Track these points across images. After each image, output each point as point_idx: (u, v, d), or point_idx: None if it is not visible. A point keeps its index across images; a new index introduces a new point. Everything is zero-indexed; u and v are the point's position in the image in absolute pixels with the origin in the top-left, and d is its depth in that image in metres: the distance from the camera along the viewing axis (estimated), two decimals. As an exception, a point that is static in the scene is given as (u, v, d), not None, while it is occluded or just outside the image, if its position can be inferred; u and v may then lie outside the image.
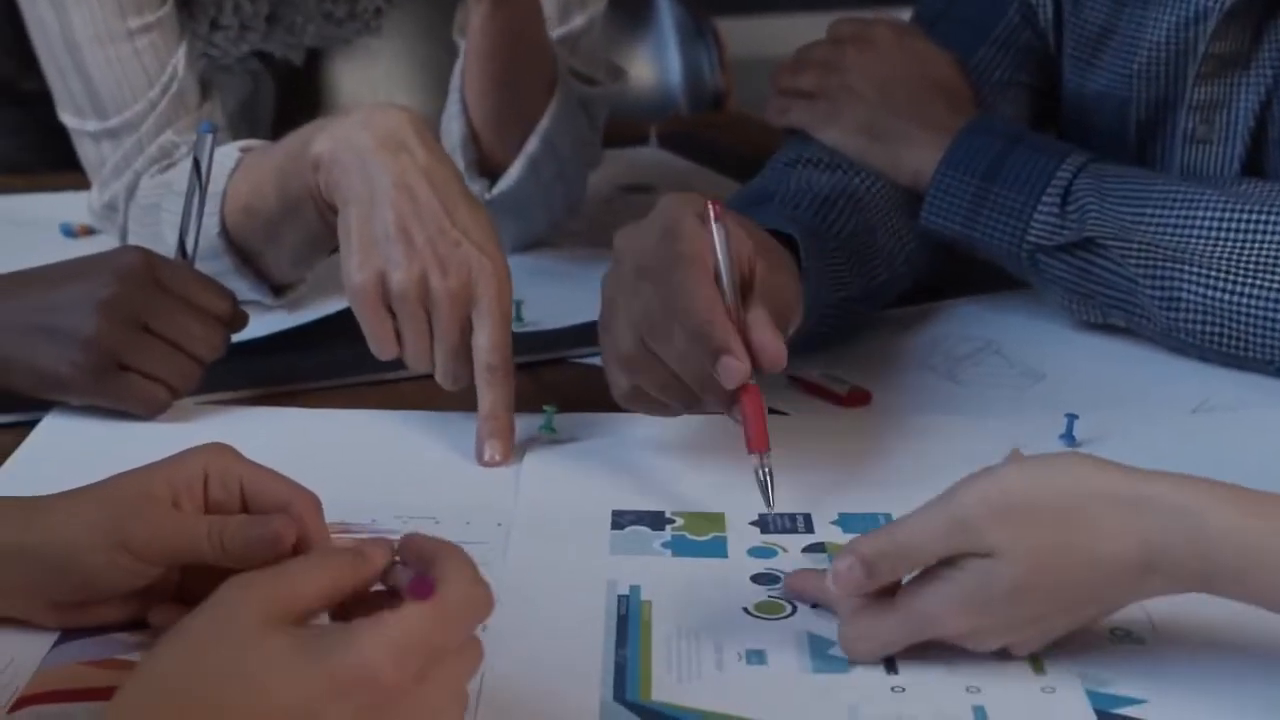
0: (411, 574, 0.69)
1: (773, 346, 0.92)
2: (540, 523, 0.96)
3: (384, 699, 0.64)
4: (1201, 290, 1.12)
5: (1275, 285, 1.10)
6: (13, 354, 1.06)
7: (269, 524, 0.81)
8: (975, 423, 1.09)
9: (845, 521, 0.96)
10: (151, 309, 1.07)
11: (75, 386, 1.07)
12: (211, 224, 1.20)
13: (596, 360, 1.01)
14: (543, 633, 0.85)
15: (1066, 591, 0.78)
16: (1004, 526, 0.77)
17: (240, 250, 1.23)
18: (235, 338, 1.12)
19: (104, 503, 0.82)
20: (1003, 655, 0.81)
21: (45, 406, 1.09)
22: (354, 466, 1.04)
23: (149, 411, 1.08)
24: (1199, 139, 1.22)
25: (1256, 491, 0.76)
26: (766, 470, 0.93)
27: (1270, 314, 1.11)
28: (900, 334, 1.24)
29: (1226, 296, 1.12)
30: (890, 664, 0.81)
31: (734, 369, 0.91)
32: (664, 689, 0.79)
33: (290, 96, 1.63)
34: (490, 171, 1.36)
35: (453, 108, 1.35)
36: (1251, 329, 1.12)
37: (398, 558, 0.71)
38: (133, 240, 1.31)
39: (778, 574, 0.90)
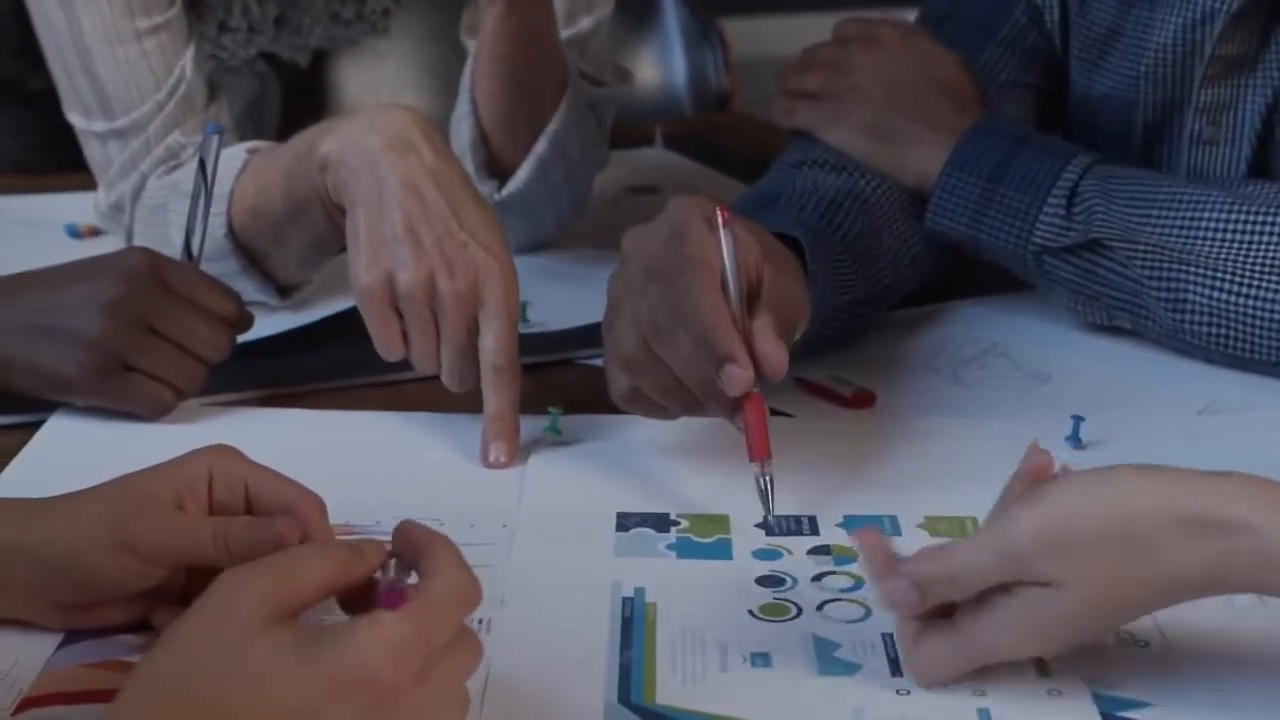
0: (396, 572, 0.69)
1: (775, 356, 0.92)
2: (545, 524, 0.96)
3: (385, 699, 0.64)
4: (1207, 292, 1.12)
5: (1282, 287, 1.10)
6: (18, 354, 1.06)
7: (273, 525, 0.81)
8: (980, 425, 1.09)
9: (850, 524, 0.96)
10: (157, 310, 1.07)
11: (80, 387, 1.07)
12: (218, 225, 1.20)
13: (602, 362, 1.01)
14: (547, 634, 0.85)
15: (1128, 613, 0.78)
16: (1062, 559, 0.75)
17: (246, 251, 1.23)
18: (240, 338, 1.12)
19: (108, 504, 0.82)
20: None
21: (50, 407, 1.10)
22: (359, 467, 1.04)
23: (154, 413, 1.08)
24: (1205, 141, 1.22)
25: None
26: (767, 478, 0.93)
27: (1276, 316, 1.10)
28: (905, 336, 1.24)
29: (1232, 298, 1.11)
30: (895, 667, 0.81)
31: (737, 377, 0.91)
32: (669, 691, 0.79)
33: (297, 98, 1.63)
34: (499, 173, 1.36)
35: (462, 108, 1.35)
36: (1257, 331, 1.12)
37: (390, 549, 0.71)
38: (139, 241, 1.31)
39: (783, 576, 0.90)
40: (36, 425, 1.09)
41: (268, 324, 1.20)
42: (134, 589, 0.82)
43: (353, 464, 1.04)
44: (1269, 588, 0.75)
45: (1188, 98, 1.22)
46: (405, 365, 1.07)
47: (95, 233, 1.44)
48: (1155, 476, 0.76)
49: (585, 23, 1.38)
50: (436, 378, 1.07)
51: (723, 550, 0.94)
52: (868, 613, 0.86)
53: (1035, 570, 0.75)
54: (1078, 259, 1.17)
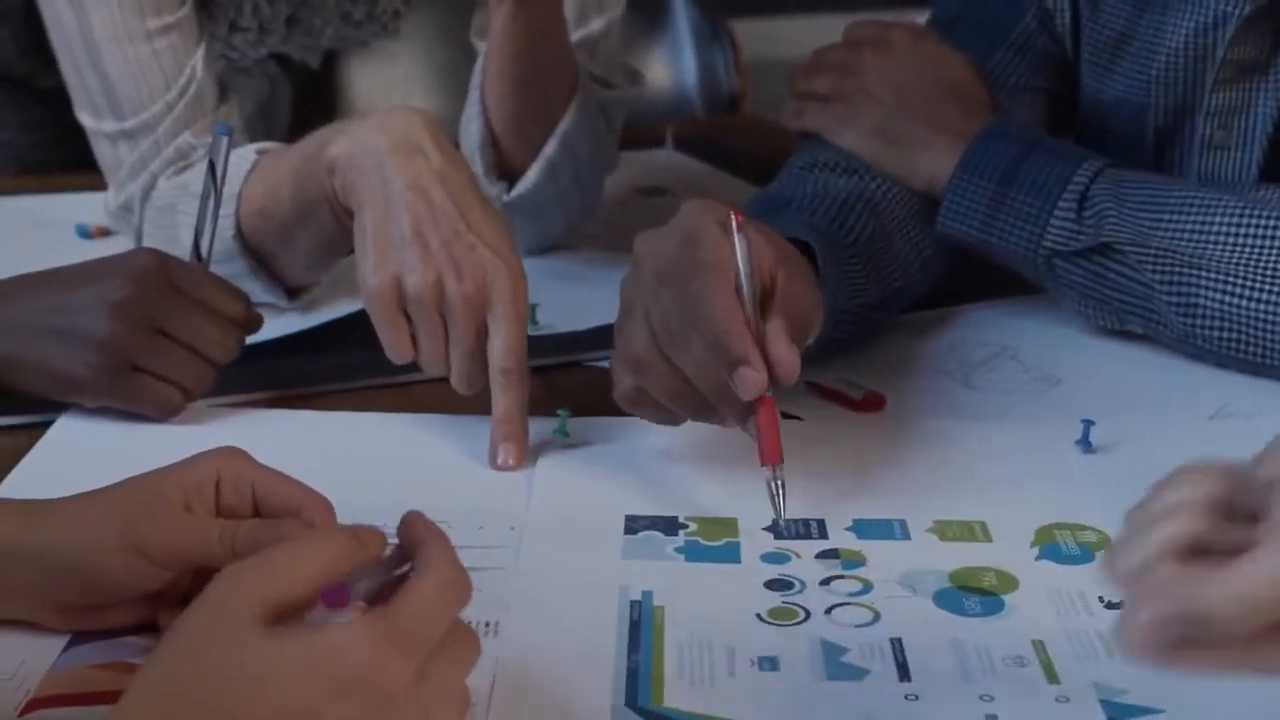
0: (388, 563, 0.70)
1: (788, 359, 0.92)
2: (553, 527, 0.96)
3: (386, 699, 0.64)
4: (1219, 296, 1.12)
5: (1293, 292, 1.10)
6: (26, 355, 1.06)
7: (280, 528, 0.81)
8: (990, 428, 1.09)
9: (859, 527, 0.96)
10: (165, 311, 1.07)
11: (89, 388, 1.07)
12: (226, 226, 1.20)
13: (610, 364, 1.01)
14: (554, 637, 0.84)
15: None
16: None
17: (255, 253, 1.23)
18: (249, 340, 1.12)
19: (115, 506, 0.82)
20: (1017, 663, 0.81)
21: (59, 408, 1.10)
22: (367, 469, 1.04)
23: (162, 414, 1.08)
24: (1217, 145, 1.21)
25: None
26: (779, 483, 0.93)
27: (1288, 321, 1.10)
28: (916, 339, 1.24)
29: (1244, 303, 1.11)
30: (903, 671, 0.81)
31: (751, 380, 0.91)
32: (676, 695, 0.79)
33: (307, 99, 1.63)
34: (509, 174, 1.36)
35: (472, 109, 1.35)
36: (1269, 335, 1.11)
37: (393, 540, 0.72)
38: (148, 242, 1.31)
39: (791, 580, 0.90)
40: (45, 426, 1.09)
41: (276, 325, 1.20)
42: (141, 591, 0.82)
43: (361, 465, 1.04)
44: None
45: (1199, 102, 1.21)
46: (414, 367, 1.07)
47: (105, 233, 1.44)
48: None
49: (596, 24, 1.38)
50: (445, 379, 1.07)
51: (731, 554, 0.93)
52: (876, 617, 0.86)
53: None
54: (1089, 263, 1.16)
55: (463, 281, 1.04)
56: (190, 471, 0.83)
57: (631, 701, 0.79)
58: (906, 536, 0.95)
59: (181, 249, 1.15)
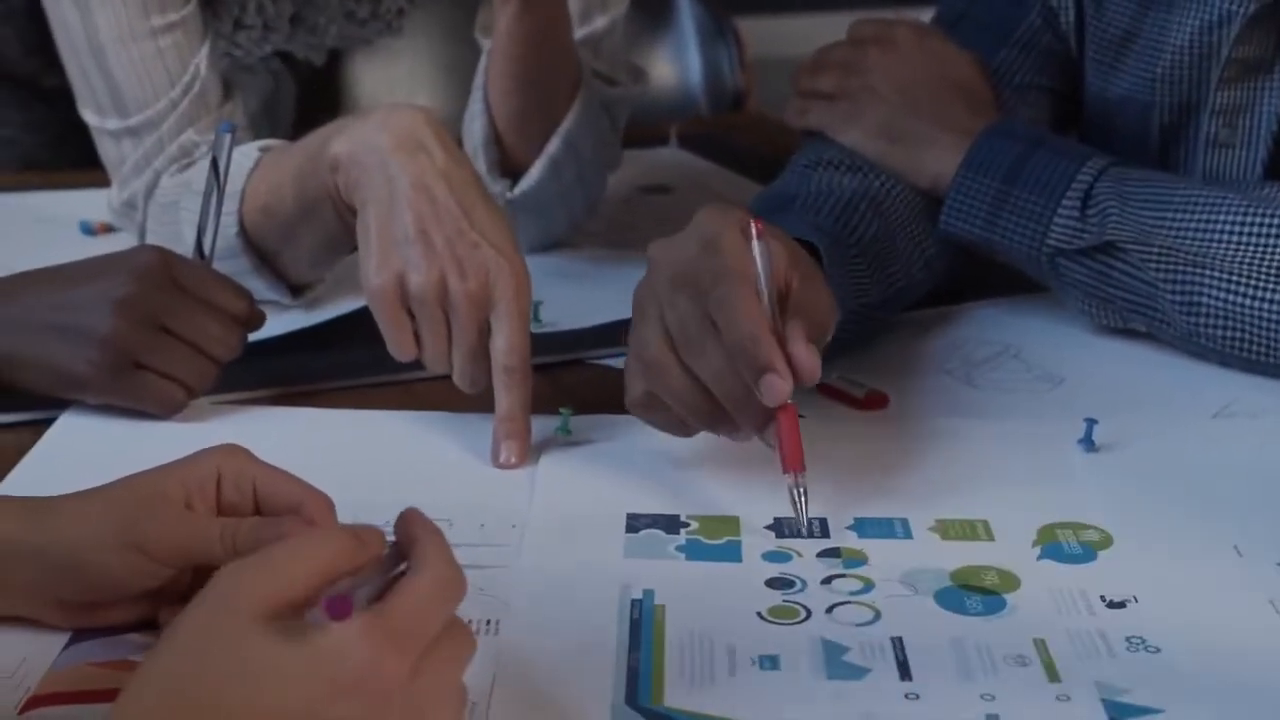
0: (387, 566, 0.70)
1: (808, 361, 0.92)
2: (555, 525, 0.96)
3: (383, 697, 0.64)
4: (1223, 295, 1.11)
5: (1297, 291, 1.10)
6: (29, 352, 1.06)
7: (281, 526, 0.81)
8: (993, 427, 1.09)
9: (861, 526, 0.95)
10: (168, 308, 1.07)
11: (91, 385, 1.07)
12: (229, 223, 1.20)
13: (613, 362, 1.01)
14: (555, 636, 0.84)
15: None
16: None
17: (258, 250, 1.23)
18: (252, 337, 1.12)
19: (116, 503, 0.82)
20: (1018, 662, 0.81)
21: (61, 405, 1.10)
22: (369, 467, 1.04)
23: (165, 411, 1.08)
24: (1222, 143, 1.21)
25: None
26: (802, 490, 0.92)
27: (1293, 319, 1.10)
28: (918, 337, 1.23)
29: (1248, 302, 1.11)
30: (904, 670, 0.81)
31: (778, 387, 0.90)
32: (676, 694, 0.79)
33: (312, 96, 1.63)
34: (512, 172, 1.36)
35: (475, 107, 1.35)
36: (1273, 334, 1.11)
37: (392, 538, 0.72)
38: (152, 239, 1.31)
39: (792, 579, 0.90)
40: (48, 423, 1.09)
41: (279, 323, 1.20)
42: (141, 588, 0.82)
43: (363, 463, 1.04)
44: None
45: (1204, 100, 1.21)
46: (417, 365, 1.07)
47: (109, 230, 1.44)
48: None
49: (600, 22, 1.38)
50: (447, 377, 1.07)
51: (732, 552, 0.93)
52: (877, 616, 0.86)
53: None
54: (1092, 261, 1.16)
55: (466, 280, 1.04)
56: (191, 469, 0.83)
57: (631, 700, 0.78)
58: (908, 535, 0.95)
59: (185, 246, 1.15)
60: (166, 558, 0.81)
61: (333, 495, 0.86)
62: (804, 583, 0.90)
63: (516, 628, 0.85)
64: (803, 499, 0.93)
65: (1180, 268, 1.13)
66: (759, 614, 0.86)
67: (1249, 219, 1.11)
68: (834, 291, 1.07)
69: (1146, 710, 0.78)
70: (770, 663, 0.82)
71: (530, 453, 1.04)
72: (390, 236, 1.05)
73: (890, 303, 1.20)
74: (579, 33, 1.36)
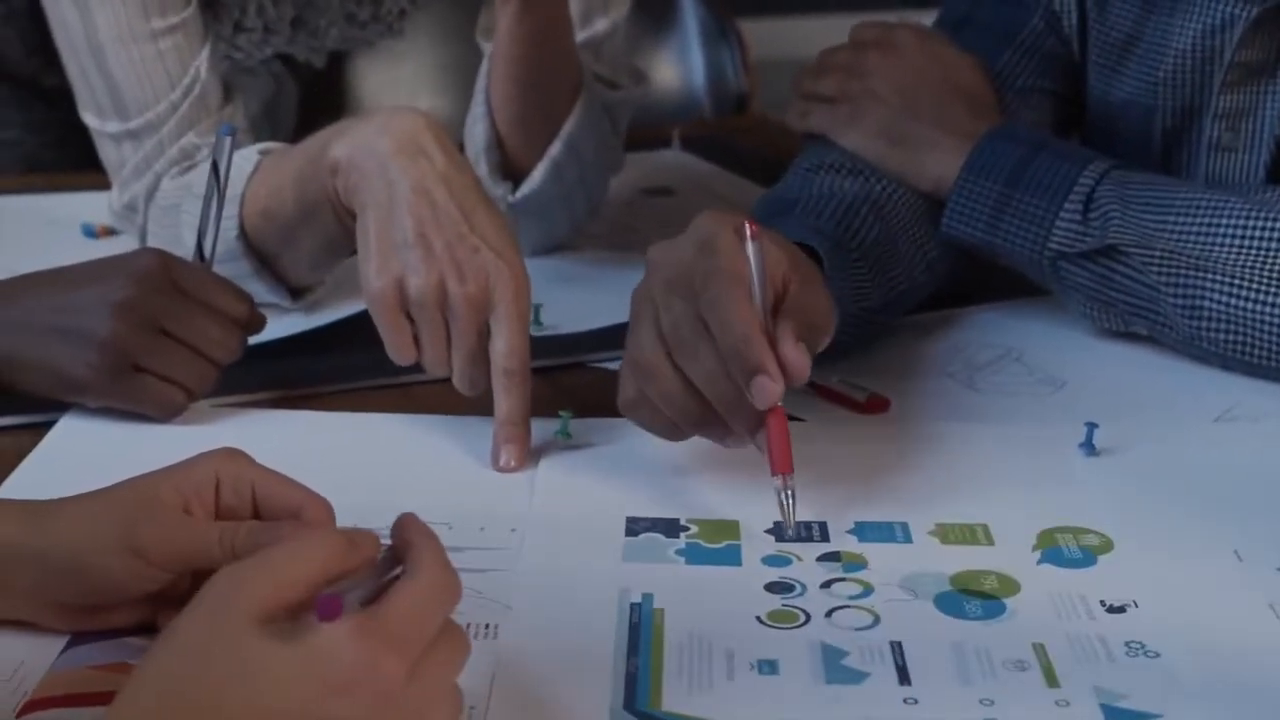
0: (384, 567, 0.70)
1: (798, 362, 0.92)
2: (554, 529, 0.96)
3: (380, 699, 0.64)
4: (1224, 299, 1.11)
5: (1299, 294, 1.09)
6: (29, 354, 1.06)
7: (279, 530, 0.81)
8: (995, 430, 1.09)
9: (861, 531, 0.95)
10: (168, 311, 1.07)
11: (91, 388, 1.07)
12: (230, 226, 1.20)
13: (614, 365, 1.01)
14: (554, 639, 0.84)
15: None
16: None
17: (258, 253, 1.23)
18: (252, 340, 1.12)
19: (114, 507, 0.82)
20: (1018, 667, 0.81)
21: (62, 408, 1.10)
22: (369, 470, 1.04)
23: (165, 414, 1.08)
24: (1224, 147, 1.21)
25: None
26: (790, 493, 0.92)
27: (1294, 323, 1.10)
28: (920, 341, 1.23)
29: (1250, 305, 1.11)
30: (903, 675, 0.81)
31: (769, 389, 0.90)
32: (675, 698, 0.79)
33: (313, 98, 1.63)
34: (514, 175, 1.36)
35: (477, 110, 1.35)
36: (1275, 338, 1.11)
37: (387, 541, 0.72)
38: (152, 241, 1.31)
39: (792, 583, 0.90)
40: (48, 425, 1.09)
41: (280, 326, 1.20)
42: (140, 592, 0.82)
43: (363, 466, 1.04)
44: None
45: (1206, 104, 1.21)
46: (416, 368, 1.07)
47: (110, 232, 1.44)
48: None
49: (601, 25, 1.38)
50: (447, 380, 1.07)
51: (732, 556, 0.93)
52: (876, 620, 0.86)
53: None
54: (1094, 265, 1.16)
55: (465, 283, 1.04)
56: (189, 473, 0.83)
57: (630, 704, 0.78)
58: (908, 539, 0.95)
59: (185, 249, 1.15)
60: (164, 562, 0.81)
61: (332, 498, 0.86)
62: (803, 587, 0.89)
63: (515, 631, 0.85)
64: (790, 502, 0.92)
65: (1182, 271, 1.12)
66: (758, 618, 0.86)
67: (1251, 223, 1.10)
68: (835, 295, 1.07)
69: (1145, 715, 0.78)
70: (769, 667, 0.81)
71: (530, 456, 1.04)
72: (390, 240, 1.05)
73: (892, 306, 1.20)
74: (580, 35, 1.36)
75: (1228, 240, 1.11)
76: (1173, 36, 1.22)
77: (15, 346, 1.06)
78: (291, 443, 1.06)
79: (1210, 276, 1.11)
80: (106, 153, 1.35)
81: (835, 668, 0.81)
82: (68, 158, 1.62)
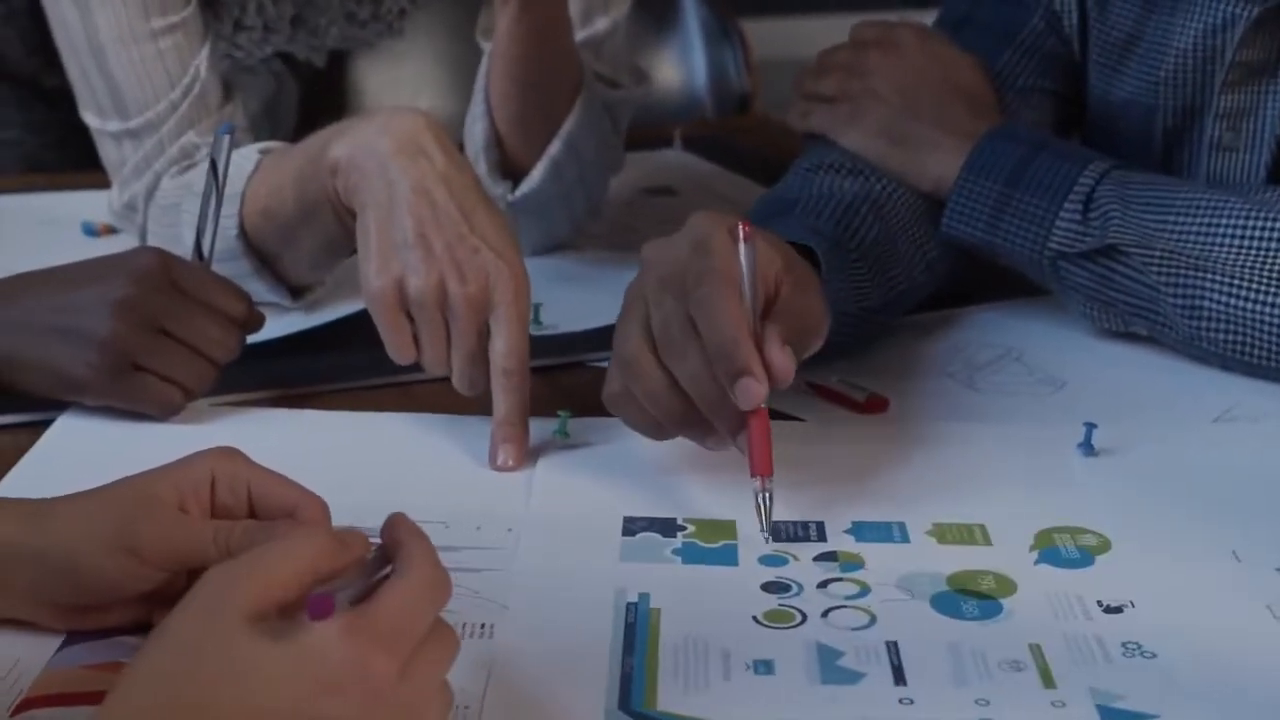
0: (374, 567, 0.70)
1: (783, 364, 0.91)
2: (551, 528, 0.96)
3: (371, 697, 0.64)
4: (1225, 299, 1.11)
5: (1299, 295, 1.09)
6: (28, 354, 1.06)
7: (275, 529, 0.81)
8: (994, 430, 1.08)
9: (858, 530, 0.95)
10: (167, 310, 1.07)
11: (90, 387, 1.07)
12: (229, 226, 1.20)
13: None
14: (549, 639, 0.84)
15: None
16: None
17: (259, 252, 1.23)
18: (251, 339, 1.12)
19: (110, 506, 0.82)
20: (1014, 668, 0.81)
21: (60, 407, 1.10)
22: (367, 469, 1.04)
23: (163, 413, 1.08)
24: (1225, 147, 1.21)
25: None
26: (767, 495, 0.92)
27: (1294, 323, 1.10)
28: (920, 340, 1.23)
29: (1250, 305, 1.11)
30: (899, 675, 0.81)
31: (753, 390, 0.90)
32: (670, 698, 0.79)
33: (314, 97, 1.63)
34: (513, 174, 1.36)
35: (477, 109, 1.35)
36: (1275, 338, 1.11)
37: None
38: (152, 240, 1.31)
39: (788, 583, 0.90)
40: (46, 424, 1.09)
41: (279, 325, 1.20)
42: (135, 591, 0.82)
43: (361, 465, 1.04)
44: None
45: (1207, 104, 1.21)
46: (415, 368, 1.07)
47: (111, 231, 1.44)
48: None
49: (601, 24, 1.38)
50: (446, 379, 1.07)
51: (729, 556, 0.93)
52: (872, 620, 0.86)
53: None
54: (1094, 265, 1.16)
55: (465, 283, 1.04)
56: (185, 472, 0.83)
57: (625, 704, 0.78)
58: (905, 539, 0.94)
59: (185, 248, 1.15)
60: (160, 561, 0.81)
61: (330, 497, 0.86)
62: (800, 586, 0.89)
63: (511, 631, 0.85)
64: (767, 505, 0.92)
65: (1182, 271, 1.12)
66: (754, 618, 0.86)
67: (1251, 223, 1.10)
68: (834, 295, 1.07)
69: (1142, 716, 0.77)
70: (765, 667, 0.81)
71: (528, 455, 1.04)
72: (390, 240, 1.05)
73: (891, 306, 1.20)
74: (580, 34, 1.36)
75: (1228, 240, 1.11)
76: (1174, 36, 1.22)
77: (15, 346, 1.06)
78: (290, 442, 1.06)
79: (1210, 276, 1.11)
80: (107, 152, 1.35)
81: (831, 668, 0.81)
82: (68, 158, 1.62)
